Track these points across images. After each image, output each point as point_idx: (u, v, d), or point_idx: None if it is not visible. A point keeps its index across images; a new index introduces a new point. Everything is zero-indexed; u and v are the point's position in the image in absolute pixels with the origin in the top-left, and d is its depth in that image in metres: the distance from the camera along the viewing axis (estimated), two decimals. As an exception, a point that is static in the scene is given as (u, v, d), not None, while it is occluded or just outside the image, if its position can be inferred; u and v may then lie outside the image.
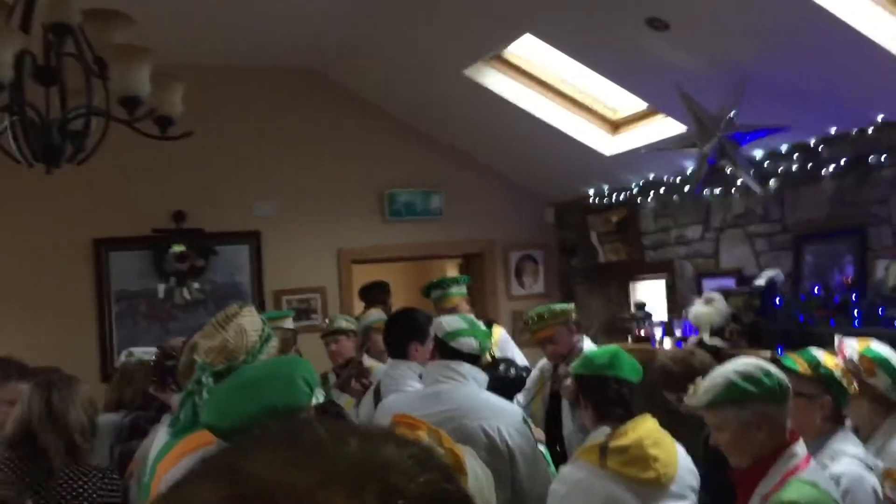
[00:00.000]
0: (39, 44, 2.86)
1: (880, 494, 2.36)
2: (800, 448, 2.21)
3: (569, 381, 3.28)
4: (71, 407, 2.72)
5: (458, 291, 4.70)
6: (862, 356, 2.67)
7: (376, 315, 4.68)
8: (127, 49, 2.78)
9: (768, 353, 3.61)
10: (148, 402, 3.25)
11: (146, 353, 4.09)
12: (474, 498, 1.69)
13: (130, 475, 3.01)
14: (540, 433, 3.46)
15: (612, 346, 2.92)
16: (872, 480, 2.37)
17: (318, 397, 1.95)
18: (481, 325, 3.25)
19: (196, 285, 6.08)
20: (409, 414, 2.33)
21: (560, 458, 3.57)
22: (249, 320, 2.36)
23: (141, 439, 2.89)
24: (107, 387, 4.00)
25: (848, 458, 2.41)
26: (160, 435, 2.45)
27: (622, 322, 6.39)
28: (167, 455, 2.29)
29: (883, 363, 2.65)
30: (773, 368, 2.24)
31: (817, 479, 2.13)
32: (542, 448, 3.18)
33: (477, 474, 1.80)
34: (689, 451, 2.74)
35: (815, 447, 2.45)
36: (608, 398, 2.70)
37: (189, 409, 2.26)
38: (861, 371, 2.65)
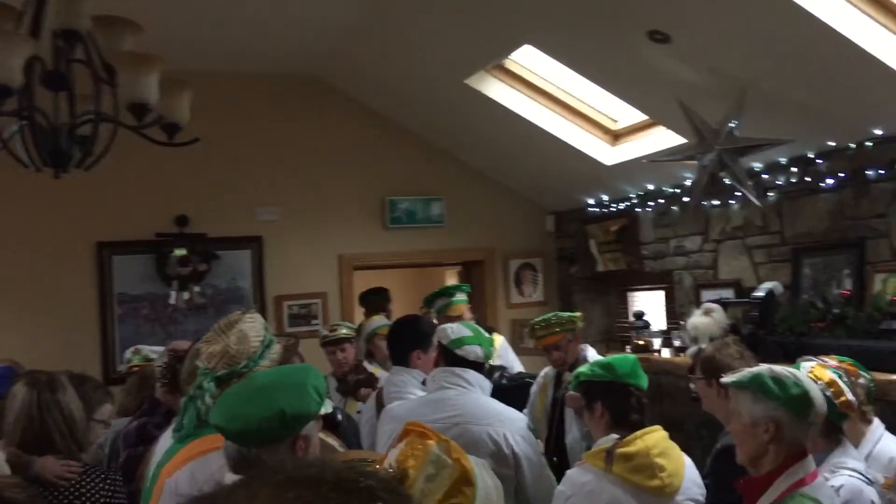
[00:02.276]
0: (49, 49, 2.90)
1: None
2: (808, 464, 2.21)
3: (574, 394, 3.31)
4: (55, 407, 2.73)
5: (462, 299, 4.73)
6: (840, 365, 2.73)
7: (379, 321, 4.72)
8: (136, 56, 2.81)
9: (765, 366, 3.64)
10: (154, 408, 3.25)
11: (154, 351, 4.11)
12: None
13: (140, 480, 3.02)
14: (539, 444, 3.49)
15: (630, 355, 2.95)
16: (872, 494, 2.40)
17: (327, 407, 1.98)
18: (485, 332, 3.28)
19: (198, 289, 6.10)
20: (414, 419, 2.36)
21: (561, 466, 3.59)
22: (251, 326, 2.39)
23: (148, 445, 2.89)
24: (121, 390, 3.93)
25: (847, 471, 2.44)
26: (164, 440, 2.47)
27: (620, 331, 6.42)
28: (171, 460, 2.31)
29: (855, 364, 2.74)
30: (809, 384, 2.23)
31: (820, 496, 2.13)
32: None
33: (487, 485, 1.81)
34: (696, 463, 2.76)
35: (816, 462, 2.48)
36: (630, 406, 2.72)
37: (192, 414, 2.29)
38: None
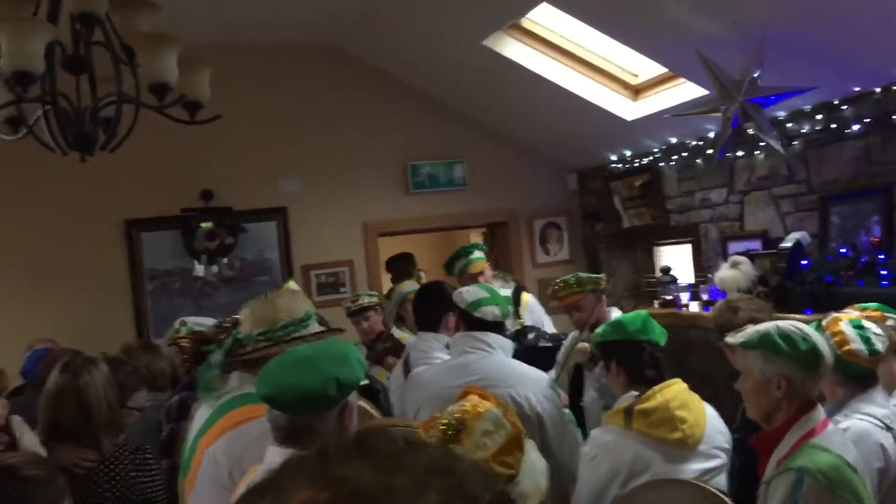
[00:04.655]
0: (68, 33, 2.92)
1: (891, 453, 2.38)
2: (817, 413, 2.23)
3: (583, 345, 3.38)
4: (93, 389, 2.77)
5: (480, 256, 4.75)
6: (873, 311, 2.72)
7: (410, 286, 4.77)
8: (154, 37, 2.82)
9: (795, 316, 3.63)
10: (195, 383, 3.31)
11: (198, 323, 4.19)
12: (526, 477, 1.76)
13: (178, 453, 3.09)
14: (566, 397, 3.53)
15: (641, 311, 2.95)
16: (882, 437, 2.38)
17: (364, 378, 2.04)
18: (499, 290, 3.30)
19: (226, 262, 6.18)
20: (439, 385, 2.39)
21: (579, 424, 3.62)
22: (294, 294, 2.51)
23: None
24: None
25: (860, 415, 2.44)
26: (201, 412, 2.53)
27: (648, 286, 6.41)
28: (208, 431, 2.37)
29: (881, 308, 2.72)
30: (816, 337, 2.24)
31: (830, 444, 2.15)
32: (566, 411, 3.25)
33: (531, 458, 1.86)
34: (723, 414, 2.77)
35: (836, 409, 2.49)
36: (643, 361, 2.74)
37: (219, 356, 2.41)
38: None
